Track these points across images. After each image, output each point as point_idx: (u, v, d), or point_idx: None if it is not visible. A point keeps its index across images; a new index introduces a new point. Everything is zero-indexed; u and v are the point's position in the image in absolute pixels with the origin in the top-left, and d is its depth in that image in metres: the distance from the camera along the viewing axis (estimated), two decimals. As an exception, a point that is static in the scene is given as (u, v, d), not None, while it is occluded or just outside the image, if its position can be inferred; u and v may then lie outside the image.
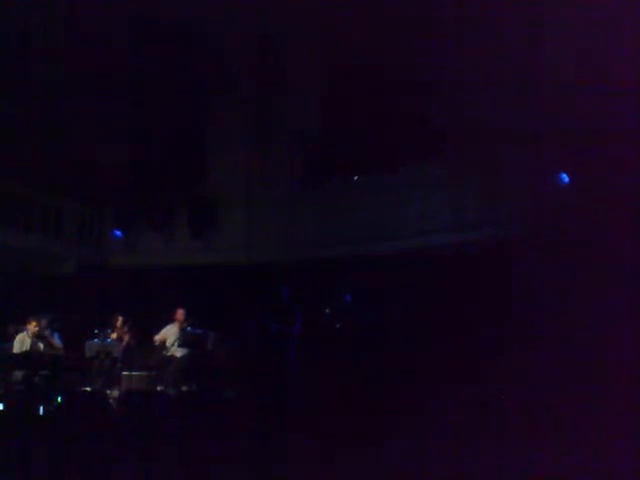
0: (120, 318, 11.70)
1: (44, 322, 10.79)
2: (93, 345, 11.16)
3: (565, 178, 10.68)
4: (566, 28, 10.14)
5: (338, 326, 11.77)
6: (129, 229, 14.10)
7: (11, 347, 10.69)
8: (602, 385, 7.37)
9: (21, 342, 10.68)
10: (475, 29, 10.95)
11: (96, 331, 11.34)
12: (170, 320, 11.56)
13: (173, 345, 11.27)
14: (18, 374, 10.12)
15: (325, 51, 13.03)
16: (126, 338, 11.55)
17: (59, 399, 9.67)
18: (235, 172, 13.73)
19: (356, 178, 13.20)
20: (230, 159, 13.69)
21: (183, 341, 11.26)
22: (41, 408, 9.46)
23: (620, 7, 9.73)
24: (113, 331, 11.59)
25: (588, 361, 8.47)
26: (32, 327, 10.65)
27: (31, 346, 10.60)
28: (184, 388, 10.61)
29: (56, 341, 10.89)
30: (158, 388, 10.76)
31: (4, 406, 9.25)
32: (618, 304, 8.92)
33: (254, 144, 13.64)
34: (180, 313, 11.50)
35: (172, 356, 11.23)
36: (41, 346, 10.73)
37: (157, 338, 11.54)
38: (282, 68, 13.41)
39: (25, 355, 10.37)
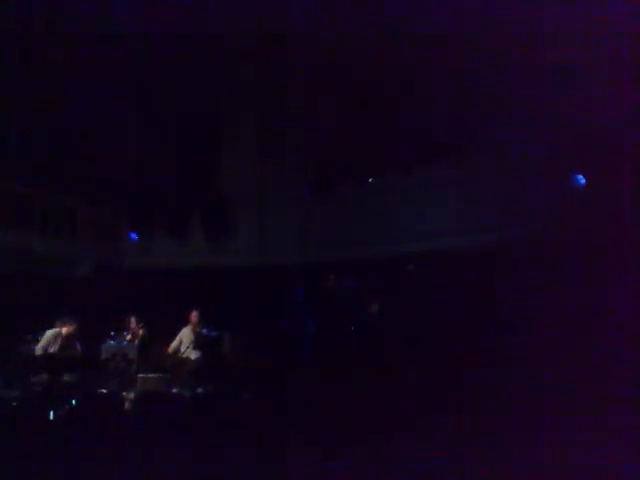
0: (132, 319, 11.80)
1: (76, 327, 10.73)
2: (109, 347, 11.28)
3: (574, 181, 10.69)
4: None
5: (352, 327, 11.82)
6: (144, 232, 14.20)
7: (29, 350, 10.70)
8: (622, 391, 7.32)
9: (50, 339, 10.49)
10: (486, 34, 10.93)
11: (112, 333, 11.45)
12: (184, 322, 11.65)
13: (188, 347, 11.34)
14: (40, 377, 10.12)
15: (337, 54, 13.04)
16: (139, 336, 11.63)
17: (74, 401, 9.71)
18: (248, 175, 13.80)
19: (370, 181, 13.24)
20: (243, 162, 13.76)
21: (197, 343, 11.34)
22: (58, 411, 9.50)
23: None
24: (128, 332, 11.70)
25: (600, 363, 8.44)
26: (66, 330, 10.58)
27: (59, 349, 10.54)
28: (199, 390, 10.68)
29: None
30: (173, 390, 10.83)
31: (23, 410, 9.26)
32: (627, 308, 8.91)
33: (267, 148, 13.70)
34: (194, 315, 11.58)
35: (187, 358, 11.31)
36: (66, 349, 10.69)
37: (172, 346, 11.58)
38: (295, 71, 13.45)
39: (49, 357, 10.33)
